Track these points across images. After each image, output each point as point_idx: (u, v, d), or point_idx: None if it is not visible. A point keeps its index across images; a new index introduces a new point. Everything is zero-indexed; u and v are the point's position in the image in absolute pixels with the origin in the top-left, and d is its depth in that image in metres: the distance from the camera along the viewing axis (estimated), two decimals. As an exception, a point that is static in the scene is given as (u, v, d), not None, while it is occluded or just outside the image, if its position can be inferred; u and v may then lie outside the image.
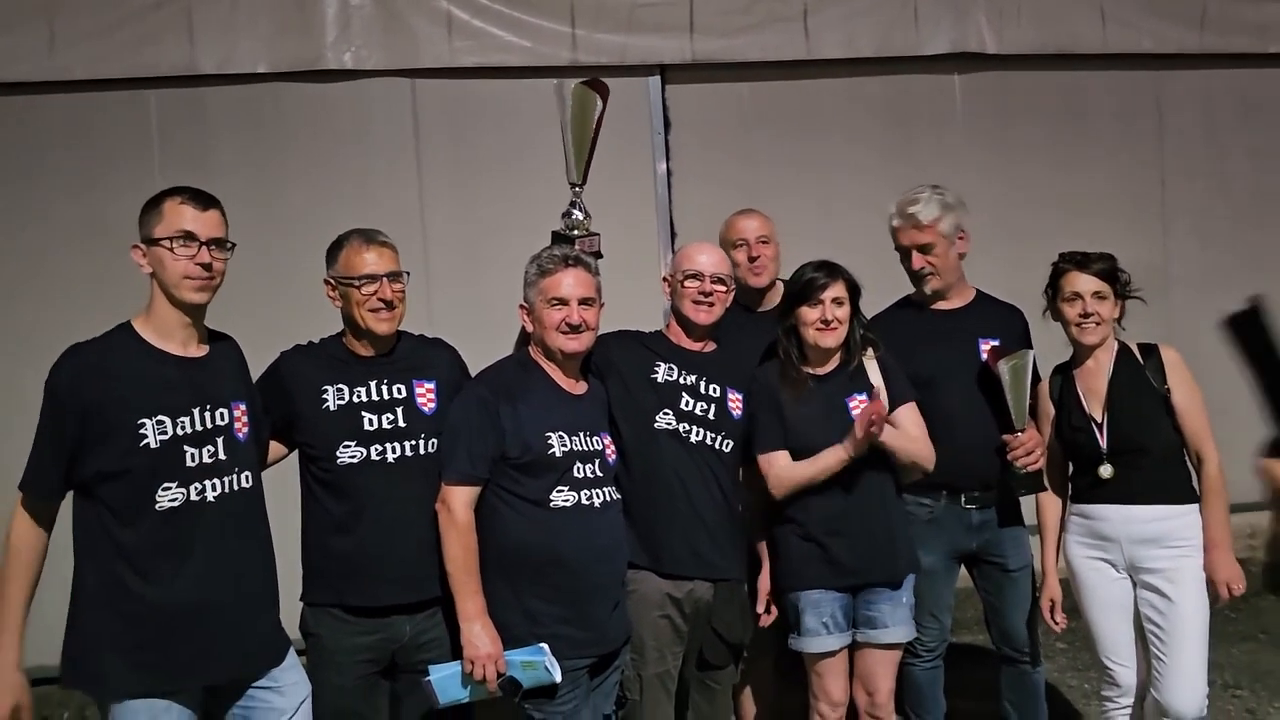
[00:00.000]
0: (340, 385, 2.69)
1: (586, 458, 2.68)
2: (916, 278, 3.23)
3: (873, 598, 2.88)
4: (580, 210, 3.12)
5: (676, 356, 2.92)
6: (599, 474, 2.70)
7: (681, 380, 2.89)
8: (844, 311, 2.85)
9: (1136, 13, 4.89)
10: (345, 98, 4.59)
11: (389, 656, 2.71)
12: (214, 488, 2.28)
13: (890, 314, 3.27)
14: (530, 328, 2.75)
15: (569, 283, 2.68)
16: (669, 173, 4.74)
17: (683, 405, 2.86)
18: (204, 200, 2.30)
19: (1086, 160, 4.94)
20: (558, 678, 2.52)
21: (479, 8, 4.57)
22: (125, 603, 2.19)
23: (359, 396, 2.69)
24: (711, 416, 2.90)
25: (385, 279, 2.63)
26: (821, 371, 2.91)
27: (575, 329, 2.67)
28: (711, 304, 2.90)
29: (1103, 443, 2.93)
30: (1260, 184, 5.00)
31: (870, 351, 2.96)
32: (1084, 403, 2.99)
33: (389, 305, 2.65)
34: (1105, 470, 2.91)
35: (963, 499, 3.11)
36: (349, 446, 2.64)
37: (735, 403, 2.94)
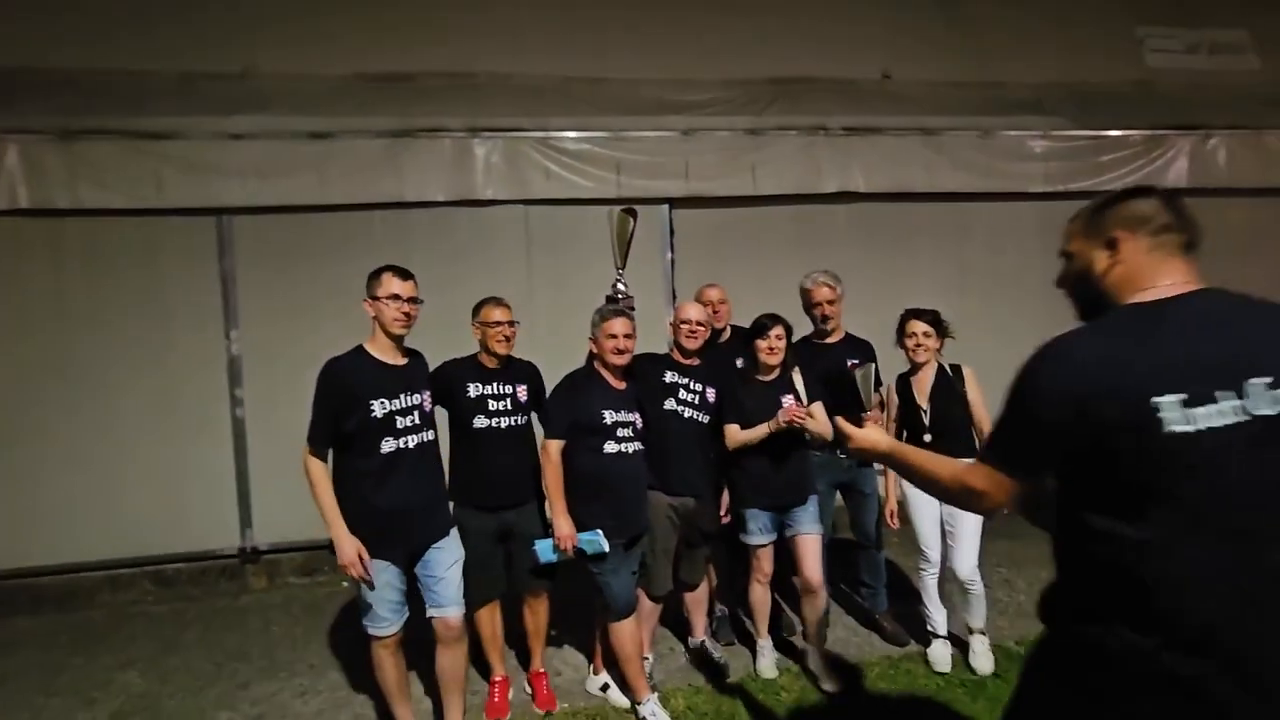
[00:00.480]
0: (477, 383, 2.75)
1: (625, 425, 2.70)
2: (823, 321, 3.22)
3: (793, 511, 2.87)
4: (623, 284, 3.13)
5: (676, 368, 2.91)
6: (631, 435, 2.72)
7: (679, 381, 2.88)
8: (782, 344, 2.84)
9: (946, 167, 4.76)
10: (486, 216, 4.45)
11: (502, 532, 2.77)
12: (412, 440, 2.35)
13: (799, 344, 3.15)
14: (595, 351, 2.77)
15: (618, 325, 2.70)
16: (673, 262, 4.69)
17: (680, 396, 2.87)
18: (406, 274, 2.37)
19: (916, 254, 4.85)
20: (607, 549, 2.60)
21: (563, 163, 4.44)
22: (365, 507, 2.28)
23: (487, 390, 2.75)
24: (696, 403, 2.88)
25: (506, 324, 2.74)
26: (767, 379, 2.89)
27: (621, 352, 2.69)
28: (696, 337, 2.87)
29: (926, 422, 2.95)
30: (1009, 270, 4.85)
31: (797, 369, 2.93)
32: (916, 397, 3.00)
33: (508, 339, 2.75)
34: (928, 438, 2.92)
35: (839, 452, 3.07)
36: (480, 418, 2.72)
37: (710, 394, 2.91)
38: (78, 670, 3.32)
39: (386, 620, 2.38)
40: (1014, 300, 4.86)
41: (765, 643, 3.05)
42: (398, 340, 2.40)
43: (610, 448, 2.66)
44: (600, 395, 2.70)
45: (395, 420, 2.31)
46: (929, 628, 3.07)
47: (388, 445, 2.30)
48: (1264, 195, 5.02)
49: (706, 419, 2.89)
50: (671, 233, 4.69)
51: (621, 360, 2.71)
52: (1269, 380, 1.05)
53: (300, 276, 4.25)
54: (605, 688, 2.87)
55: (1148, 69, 5.47)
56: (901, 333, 3.03)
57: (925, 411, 2.96)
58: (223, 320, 4.22)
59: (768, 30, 5.01)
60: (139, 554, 4.15)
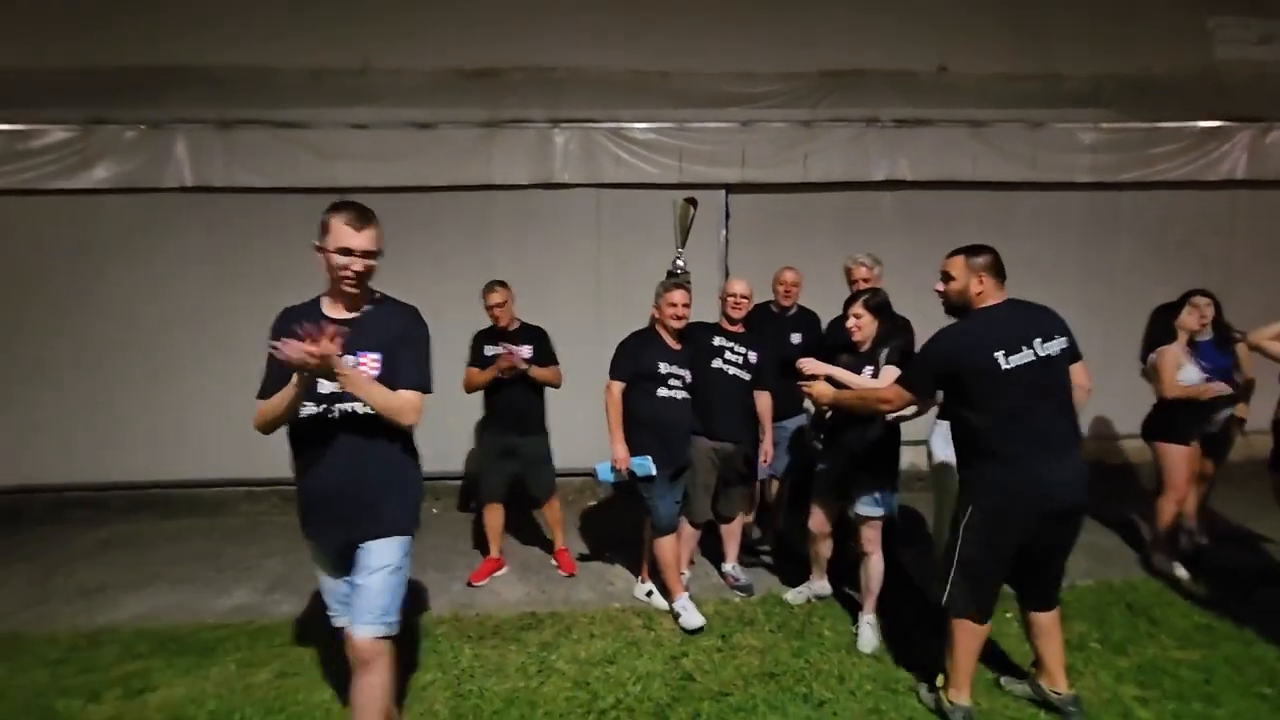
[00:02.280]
0: (490, 344, 3.57)
1: (676, 378, 3.14)
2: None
3: (853, 483, 2.92)
4: (681, 261, 3.54)
5: (723, 333, 3.31)
6: (681, 386, 3.16)
7: (726, 345, 3.29)
8: (861, 321, 2.91)
9: (993, 157, 4.97)
10: (562, 198, 4.93)
11: (507, 451, 3.60)
12: (337, 409, 1.89)
13: (839, 320, 3.43)
14: (657, 316, 3.20)
15: (678, 296, 3.13)
16: (727, 241, 5.08)
17: (726, 357, 3.28)
18: (364, 219, 1.88)
19: (959, 241, 4.85)
20: (654, 472, 3.03)
21: (631, 150, 4.90)
22: (296, 477, 2.00)
23: (496, 350, 3.51)
24: (740, 363, 3.27)
25: (496, 305, 3.53)
26: (860, 350, 2.95)
27: (680, 318, 3.13)
28: (740, 309, 3.30)
29: None
30: (1049, 258, 5.00)
31: (887, 350, 2.88)
32: None
33: (497, 316, 3.55)
34: None
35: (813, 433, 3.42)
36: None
37: (752, 357, 3.29)
38: (233, 556, 4.21)
39: (332, 609, 2.09)
40: (1049, 287, 4.87)
41: (815, 584, 3.31)
42: (348, 294, 1.94)
43: (663, 393, 3.12)
44: (659, 350, 3.16)
45: (317, 382, 1.86)
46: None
47: (306, 411, 1.90)
48: (1325, 189, 5.03)
49: (748, 377, 3.31)
50: (727, 216, 5.11)
51: (679, 325, 3.15)
52: (1040, 339, 2.27)
53: (405, 248, 4.69)
54: (650, 594, 3.43)
55: (1216, 60, 5.44)
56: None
57: None
58: (341, 283, 4.95)
59: (825, 24, 5.27)
60: (268, 475, 4.99)
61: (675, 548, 3.22)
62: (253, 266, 4.95)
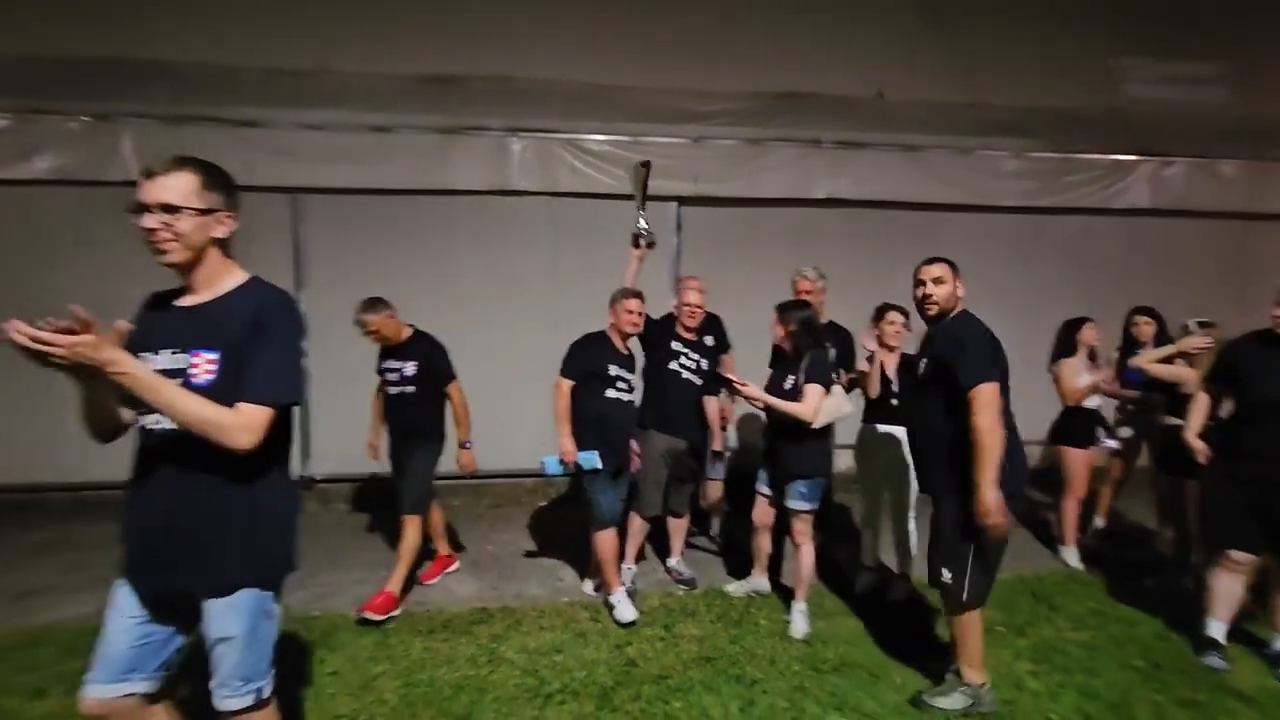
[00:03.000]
0: (383, 359, 3.49)
1: (623, 380, 3.30)
2: None
3: (786, 482, 3.18)
4: (644, 221, 3.57)
5: (679, 338, 3.52)
6: (628, 388, 3.32)
7: (682, 350, 3.51)
8: (780, 330, 3.14)
9: (926, 180, 5.35)
10: (520, 205, 5.07)
11: (396, 465, 3.47)
12: (162, 424, 1.49)
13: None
14: (614, 321, 3.33)
15: (634, 304, 3.29)
16: (679, 250, 5.30)
17: (681, 360, 3.49)
18: (160, 168, 1.48)
19: (895, 256, 5.03)
20: (600, 466, 3.19)
21: (588, 162, 5.08)
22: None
23: (386, 365, 3.46)
24: (694, 368, 3.49)
25: (369, 333, 3.37)
26: (789, 358, 3.19)
27: (636, 325, 3.30)
28: (695, 317, 3.50)
29: (894, 390, 3.43)
30: (974, 274, 5.24)
31: (810, 356, 3.11)
32: (886, 372, 3.42)
33: (371, 338, 3.40)
34: (894, 402, 3.42)
35: None
36: (386, 385, 3.48)
37: (705, 363, 3.51)
38: (176, 558, 4.14)
39: (92, 672, 1.56)
40: (978, 304, 5.41)
41: (755, 580, 3.53)
42: (179, 271, 1.54)
43: (610, 394, 3.27)
44: (609, 353, 3.31)
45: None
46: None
47: (142, 420, 1.55)
48: (1216, 218, 5.60)
49: (700, 380, 3.55)
50: (679, 227, 5.34)
51: (636, 330, 3.33)
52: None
53: (359, 248, 5.00)
54: (598, 588, 3.59)
55: (1122, 98, 5.98)
56: (879, 320, 3.48)
57: (893, 383, 3.47)
58: (293, 282, 4.98)
59: (775, 48, 5.55)
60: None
61: (614, 542, 3.37)
62: (201, 264, 4.90)
